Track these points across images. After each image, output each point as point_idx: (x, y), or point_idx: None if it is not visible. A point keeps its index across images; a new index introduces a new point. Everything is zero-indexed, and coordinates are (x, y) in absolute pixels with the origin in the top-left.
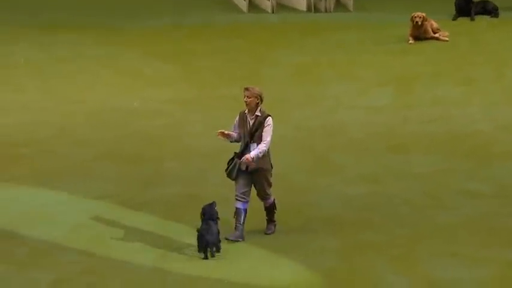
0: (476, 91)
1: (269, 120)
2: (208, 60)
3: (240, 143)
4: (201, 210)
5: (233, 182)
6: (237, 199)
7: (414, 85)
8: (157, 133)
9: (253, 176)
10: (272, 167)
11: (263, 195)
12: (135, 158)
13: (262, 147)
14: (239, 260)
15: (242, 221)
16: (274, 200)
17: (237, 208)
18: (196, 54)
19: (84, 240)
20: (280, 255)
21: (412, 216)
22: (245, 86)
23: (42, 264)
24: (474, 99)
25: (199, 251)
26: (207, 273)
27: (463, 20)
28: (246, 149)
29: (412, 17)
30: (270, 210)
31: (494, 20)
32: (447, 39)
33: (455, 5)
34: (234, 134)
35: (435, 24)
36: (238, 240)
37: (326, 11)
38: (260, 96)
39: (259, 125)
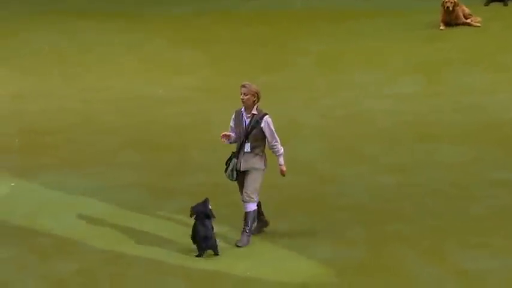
0: (509, 78)
1: (267, 119)
2: (234, 48)
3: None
4: (191, 210)
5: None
6: (243, 201)
7: (444, 72)
8: (182, 121)
9: (247, 177)
10: (265, 169)
11: (245, 197)
12: (160, 146)
13: (280, 149)
14: (263, 253)
15: (250, 225)
16: (255, 209)
17: (246, 212)
18: (222, 41)
19: (108, 230)
20: (306, 246)
21: (441, 206)
22: (242, 83)
23: (66, 253)
24: (506, 86)
25: (199, 251)
26: (231, 267)
27: (496, 5)
28: (241, 149)
29: (443, 2)
30: (249, 216)
31: None
32: (479, 24)
33: None
34: (233, 134)
35: (467, 10)
36: (265, 227)
37: None
38: (257, 94)
39: (256, 124)
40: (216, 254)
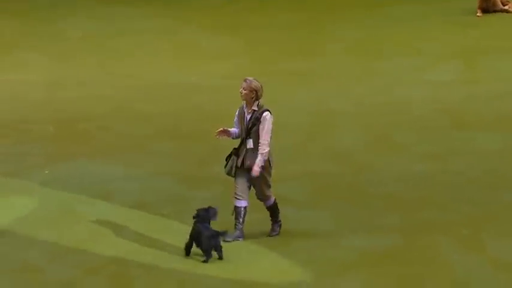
0: None
1: (266, 115)
2: (268, 34)
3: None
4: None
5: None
6: (235, 197)
7: (481, 60)
8: (215, 109)
9: (251, 177)
10: (271, 166)
11: (261, 197)
12: (193, 135)
13: (264, 149)
14: (296, 241)
15: (242, 220)
16: (275, 200)
17: (235, 207)
18: (256, 27)
19: (141, 218)
20: (341, 235)
21: (477, 195)
22: (245, 77)
23: (100, 241)
24: None
25: (207, 255)
26: (267, 254)
27: None
28: (242, 145)
29: None
30: (272, 210)
31: None
32: None
33: None
34: (235, 130)
35: None
36: (238, 239)
37: None
38: (256, 92)
39: (256, 120)
40: (220, 257)
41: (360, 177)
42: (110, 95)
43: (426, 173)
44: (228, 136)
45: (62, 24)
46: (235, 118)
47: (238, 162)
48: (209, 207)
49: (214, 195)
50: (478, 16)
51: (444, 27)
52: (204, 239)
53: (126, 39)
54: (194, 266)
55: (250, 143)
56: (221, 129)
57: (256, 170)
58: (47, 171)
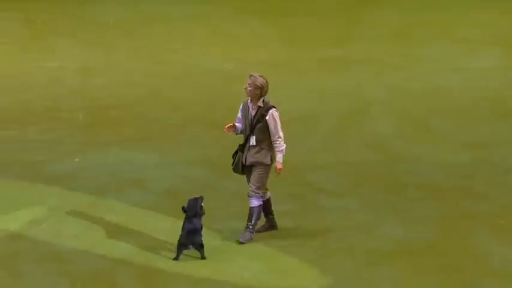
0: None
1: (272, 113)
2: (304, 20)
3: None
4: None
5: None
6: (248, 195)
7: None
8: None
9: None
10: (272, 163)
11: (250, 192)
12: (226, 122)
13: (281, 145)
14: (334, 229)
15: (265, 213)
16: (261, 205)
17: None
18: (291, 13)
19: (174, 207)
20: (377, 225)
21: None
22: (251, 73)
23: (130, 231)
24: None
25: (178, 251)
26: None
27: None
28: (246, 142)
29: None
30: (254, 212)
31: None
32: None
33: None
34: (239, 125)
35: None
36: (270, 229)
37: None
38: (261, 89)
39: (261, 117)
40: (202, 256)
41: (396, 166)
42: (142, 81)
43: (465, 163)
44: (234, 131)
45: (93, 10)
46: (239, 113)
47: (243, 159)
48: (200, 197)
49: (246, 184)
50: None
51: (484, 13)
52: (183, 235)
53: (158, 25)
54: (228, 259)
55: (253, 140)
56: (230, 124)
57: (280, 169)
58: (77, 160)
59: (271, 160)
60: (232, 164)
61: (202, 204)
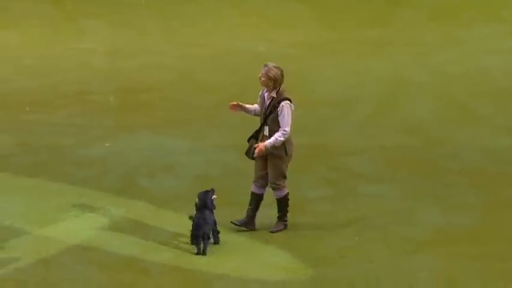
0: None
1: (284, 106)
2: (339, 0)
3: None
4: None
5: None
6: (253, 181)
7: None
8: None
9: (267, 161)
10: (288, 155)
11: (271, 184)
12: None
13: (279, 136)
14: (370, 217)
15: (254, 206)
16: (286, 194)
17: (252, 192)
18: None
19: None
20: (415, 211)
21: None
22: (266, 63)
23: (162, 216)
24: None
25: (192, 243)
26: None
27: None
28: (260, 131)
29: None
30: (280, 203)
31: None
32: None
33: None
34: (256, 107)
35: None
36: (248, 228)
37: None
38: (274, 81)
39: (273, 108)
40: (204, 250)
41: (435, 150)
42: (173, 64)
43: (509, 147)
44: (246, 112)
45: None
46: (259, 99)
47: (255, 147)
48: (211, 189)
49: None
50: None
51: None
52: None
53: (190, 5)
54: (259, 248)
55: (266, 130)
56: (234, 103)
57: (260, 148)
58: (107, 144)
59: (286, 152)
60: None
61: (213, 197)
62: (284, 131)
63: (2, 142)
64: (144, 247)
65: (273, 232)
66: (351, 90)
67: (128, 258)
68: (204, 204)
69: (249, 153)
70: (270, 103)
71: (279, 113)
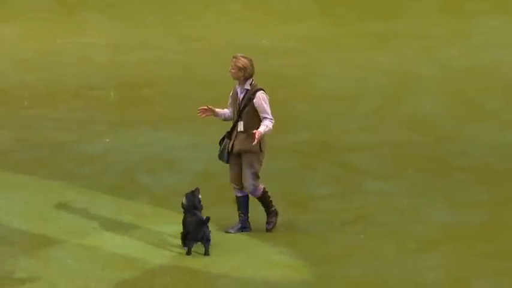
0: None
1: (260, 95)
2: None
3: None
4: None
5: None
6: (233, 187)
7: None
8: (287, 74)
9: (243, 162)
10: (262, 152)
11: (248, 188)
12: None
13: (269, 123)
14: (374, 215)
15: (244, 210)
16: (264, 189)
17: (236, 197)
18: None
19: (209, 190)
20: (422, 208)
21: None
22: (234, 54)
23: (163, 213)
24: None
25: (184, 244)
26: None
27: None
28: (234, 128)
29: None
30: (262, 201)
31: None
32: None
33: None
34: (226, 111)
35: None
36: (244, 231)
37: None
38: (244, 70)
39: (248, 101)
40: (206, 252)
41: (442, 147)
42: (175, 58)
43: None
44: (216, 116)
45: None
46: (230, 99)
47: (229, 147)
48: (195, 189)
49: (284, 167)
50: None
51: None
52: (191, 230)
53: None
54: (263, 246)
55: (241, 126)
56: (204, 107)
57: (259, 132)
58: (107, 140)
59: (261, 148)
60: (219, 151)
61: (199, 196)
62: (271, 118)
63: (1, 138)
64: (144, 245)
65: (269, 230)
66: (356, 85)
67: (128, 256)
68: (194, 205)
69: (223, 155)
70: (244, 96)
71: (256, 103)
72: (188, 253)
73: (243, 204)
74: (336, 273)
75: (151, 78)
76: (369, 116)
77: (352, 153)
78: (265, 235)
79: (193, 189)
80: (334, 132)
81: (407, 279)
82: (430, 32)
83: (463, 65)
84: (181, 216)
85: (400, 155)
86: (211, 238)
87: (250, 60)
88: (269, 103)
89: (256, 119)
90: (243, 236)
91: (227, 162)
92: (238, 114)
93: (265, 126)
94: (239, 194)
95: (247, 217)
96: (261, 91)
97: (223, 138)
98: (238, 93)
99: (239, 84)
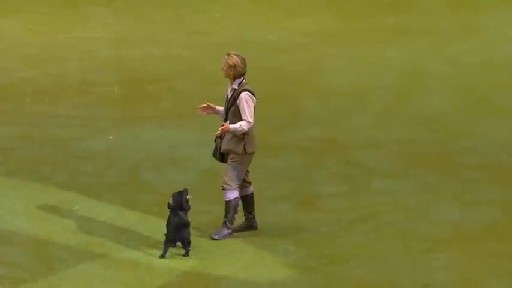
0: None
1: (243, 96)
2: None
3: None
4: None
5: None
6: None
7: None
8: (294, 69)
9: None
10: (248, 154)
11: (223, 185)
12: (270, 97)
13: (244, 125)
14: (382, 213)
15: (249, 208)
16: (236, 198)
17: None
18: None
19: (213, 188)
20: (431, 207)
21: None
22: (228, 52)
23: (168, 211)
24: None
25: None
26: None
27: None
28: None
29: None
30: (228, 206)
31: None
32: None
33: None
34: (222, 108)
35: None
36: (251, 230)
37: None
38: (234, 68)
39: (233, 100)
40: (186, 253)
41: (454, 144)
42: (180, 54)
43: None
44: (216, 113)
45: None
46: (225, 97)
47: (220, 146)
48: (184, 190)
49: (291, 164)
50: None
51: None
52: (171, 230)
53: None
54: (270, 244)
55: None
56: (204, 104)
57: (226, 126)
58: (111, 137)
59: (244, 149)
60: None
61: (187, 197)
62: (248, 121)
63: (4, 134)
64: (149, 244)
65: (213, 239)
66: (366, 81)
67: (132, 256)
68: (180, 205)
69: (216, 154)
70: (231, 96)
71: (239, 103)
72: (162, 256)
73: (246, 203)
74: (344, 273)
75: (156, 73)
76: (378, 113)
77: (361, 151)
78: (272, 234)
79: (182, 189)
80: (343, 129)
81: (416, 279)
82: (440, 27)
83: (475, 61)
84: (189, 214)
85: (409, 152)
86: (191, 241)
87: (243, 59)
88: (253, 105)
89: (241, 119)
90: (249, 235)
91: (220, 161)
92: (226, 113)
93: (239, 125)
94: (240, 194)
95: (253, 216)
96: (246, 92)
97: (217, 137)
98: (228, 91)
99: (230, 82)
